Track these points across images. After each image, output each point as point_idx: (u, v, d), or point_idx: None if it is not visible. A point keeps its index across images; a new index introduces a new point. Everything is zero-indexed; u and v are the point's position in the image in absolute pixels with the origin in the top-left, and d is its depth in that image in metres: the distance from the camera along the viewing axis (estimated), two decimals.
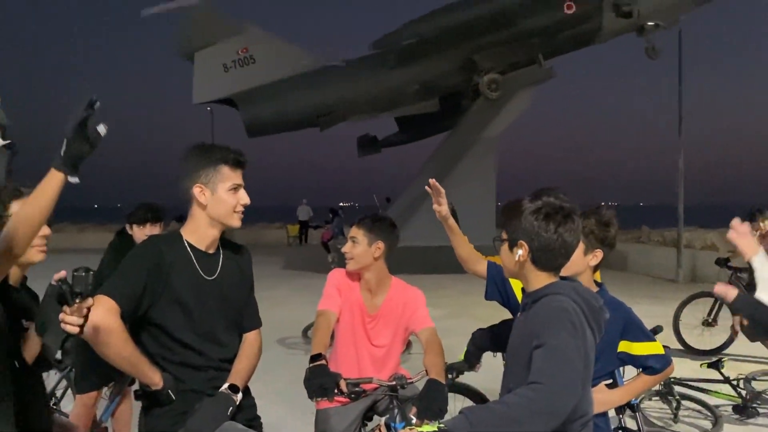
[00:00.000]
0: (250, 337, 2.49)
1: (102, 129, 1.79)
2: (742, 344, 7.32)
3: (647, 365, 2.52)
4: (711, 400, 5.25)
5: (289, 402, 5.42)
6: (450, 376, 2.54)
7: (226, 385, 2.29)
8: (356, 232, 2.97)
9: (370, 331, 3.01)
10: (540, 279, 1.98)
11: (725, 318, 7.63)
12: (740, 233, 2.41)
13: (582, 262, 2.41)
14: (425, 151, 20.03)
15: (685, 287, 12.17)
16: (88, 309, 1.76)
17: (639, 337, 2.47)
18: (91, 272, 1.73)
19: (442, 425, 1.66)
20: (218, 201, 2.30)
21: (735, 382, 5.42)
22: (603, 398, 2.40)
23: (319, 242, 20.17)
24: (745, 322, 2.96)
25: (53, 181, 1.80)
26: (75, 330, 1.65)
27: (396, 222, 3.18)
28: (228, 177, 2.30)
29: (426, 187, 2.90)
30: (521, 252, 1.96)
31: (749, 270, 2.45)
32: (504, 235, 2.04)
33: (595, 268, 2.51)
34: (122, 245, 3.75)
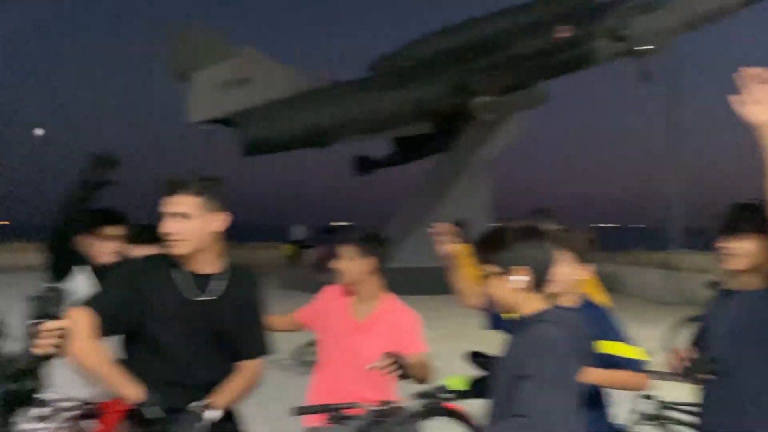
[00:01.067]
0: (245, 364, 2.44)
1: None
2: None
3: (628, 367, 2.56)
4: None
5: (276, 422, 5.37)
6: (438, 399, 2.52)
7: (201, 403, 2.24)
8: (347, 249, 2.98)
9: (358, 343, 2.95)
10: (536, 303, 1.98)
11: None
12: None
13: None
14: (422, 171, 20.09)
15: (678, 310, 12.16)
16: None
17: (617, 338, 2.52)
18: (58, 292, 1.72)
19: None
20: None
21: None
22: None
23: (313, 262, 20.10)
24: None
25: None
26: (50, 350, 1.64)
27: (390, 242, 3.20)
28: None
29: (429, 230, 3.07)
30: (524, 278, 1.94)
31: None
32: (493, 268, 2.00)
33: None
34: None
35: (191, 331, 2.30)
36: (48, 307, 1.62)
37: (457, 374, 2.57)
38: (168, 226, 2.29)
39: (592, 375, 2.41)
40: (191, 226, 2.29)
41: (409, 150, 19.62)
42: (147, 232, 3.88)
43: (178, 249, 2.29)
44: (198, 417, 2.20)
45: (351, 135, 17.40)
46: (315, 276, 17.33)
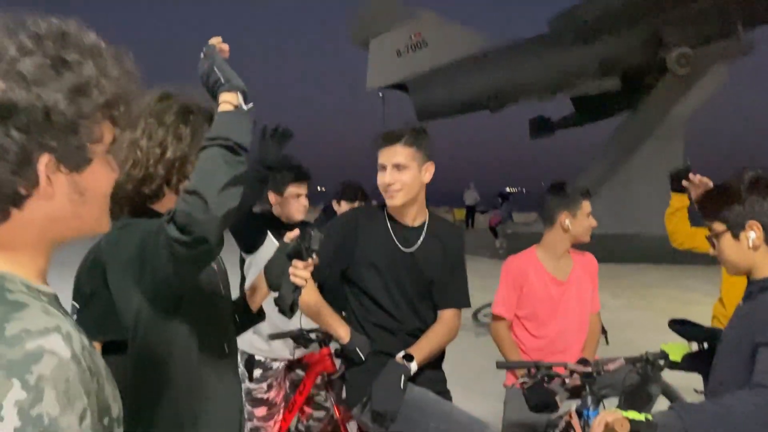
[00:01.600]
0: (445, 315, 2.50)
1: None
2: None
3: None
4: None
5: (462, 382, 5.40)
6: (650, 368, 2.33)
7: (400, 354, 2.33)
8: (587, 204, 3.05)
9: (562, 302, 3.02)
10: None
11: None
12: None
13: None
14: (603, 134, 18.99)
15: None
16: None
17: None
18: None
19: (650, 417, 1.51)
20: None
21: None
22: None
23: (487, 227, 19.98)
24: None
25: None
26: (303, 283, 1.74)
27: None
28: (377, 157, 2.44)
29: (685, 182, 2.95)
30: (754, 234, 1.74)
31: None
32: (720, 227, 1.81)
33: None
34: (327, 220, 3.96)
35: (401, 281, 2.38)
36: (315, 244, 1.70)
37: (672, 342, 2.34)
38: (386, 177, 2.35)
39: None
40: (409, 176, 2.35)
41: (590, 110, 18.56)
42: (351, 189, 4.22)
43: (395, 199, 2.36)
44: (400, 368, 2.27)
45: (527, 96, 16.83)
46: (488, 240, 17.27)
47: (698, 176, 2.87)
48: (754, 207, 1.72)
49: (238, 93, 1.48)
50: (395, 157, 2.33)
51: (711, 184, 2.71)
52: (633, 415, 1.51)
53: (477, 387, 4.84)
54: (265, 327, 2.93)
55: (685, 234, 3.25)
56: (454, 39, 16.81)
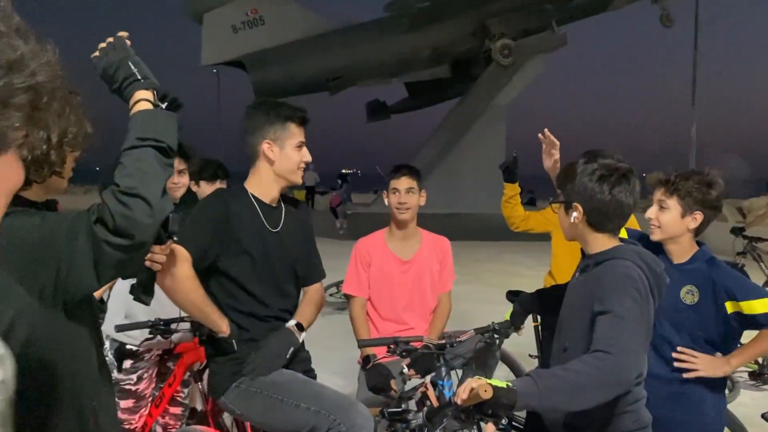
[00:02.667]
0: (312, 289, 2.56)
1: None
2: None
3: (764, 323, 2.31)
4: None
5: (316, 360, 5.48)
6: (496, 336, 2.55)
7: (293, 322, 2.35)
8: (410, 181, 3.14)
9: (404, 280, 3.19)
10: (600, 241, 1.97)
11: None
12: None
13: (679, 225, 2.37)
14: (434, 118, 19.94)
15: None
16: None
17: (749, 294, 2.30)
18: (183, 216, 1.75)
19: (510, 384, 1.65)
20: (285, 157, 2.35)
21: None
22: (717, 365, 2.35)
23: (327, 208, 20.17)
24: None
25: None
26: (159, 267, 1.67)
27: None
28: (295, 134, 2.36)
29: (540, 135, 3.03)
30: (576, 214, 1.96)
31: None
32: (561, 197, 2.03)
33: (698, 231, 2.41)
34: (187, 202, 3.73)
35: (270, 263, 2.35)
36: (174, 226, 1.62)
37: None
38: (308, 155, 2.39)
39: (747, 355, 2.40)
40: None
41: (422, 95, 19.40)
42: (210, 167, 3.92)
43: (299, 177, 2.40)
44: (293, 336, 2.31)
45: (363, 79, 17.18)
46: (332, 221, 17.47)
47: (549, 134, 3.05)
48: (579, 189, 1.93)
49: (153, 91, 1.43)
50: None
51: (557, 142, 3.00)
52: (495, 382, 1.64)
53: (328, 365, 4.96)
54: (140, 313, 2.78)
55: (520, 218, 3.64)
56: (292, 18, 16.64)
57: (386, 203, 3.21)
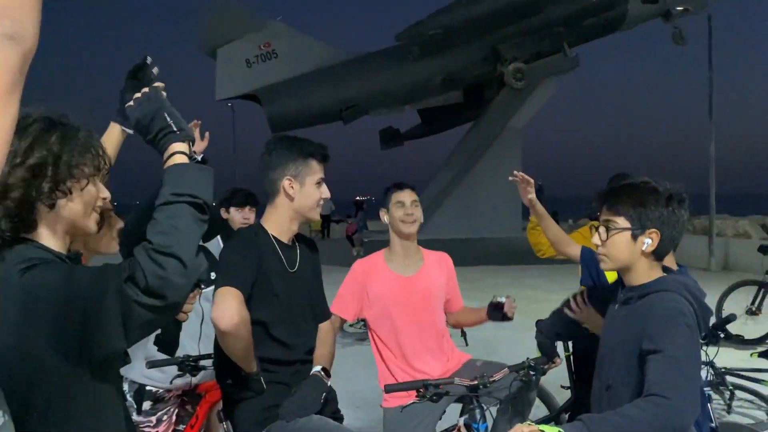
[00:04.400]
0: (324, 327, 2.49)
1: (156, 69, 1.72)
2: None
3: None
4: (764, 390, 5.11)
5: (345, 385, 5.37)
6: (532, 374, 2.44)
7: (318, 368, 2.28)
8: (412, 194, 3.05)
9: (410, 299, 2.93)
10: (653, 271, 1.88)
11: None
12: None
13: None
14: (448, 144, 19.94)
15: (719, 276, 11.95)
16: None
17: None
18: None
19: (561, 429, 1.57)
20: (305, 194, 2.31)
21: None
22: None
23: (343, 236, 20.17)
24: None
25: (112, 134, 1.90)
26: (185, 318, 1.60)
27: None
28: (316, 171, 2.33)
29: (511, 179, 3.09)
30: (650, 241, 1.83)
31: None
32: (622, 222, 1.87)
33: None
34: (218, 227, 3.71)
35: (292, 304, 2.30)
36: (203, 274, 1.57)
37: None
38: (328, 192, 2.36)
39: None
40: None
41: (436, 121, 19.43)
42: (241, 194, 3.97)
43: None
44: (323, 383, 2.25)
45: (376, 107, 17.25)
46: (348, 249, 17.42)
47: (521, 173, 3.08)
48: (662, 217, 1.81)
49: (189, 143, 1.40)
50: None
51: (531, 180, 3.05)
52: (546, 428, 1.57)
53: (351, 400, 4.85)
54: (159, 354, 2.74)
55: (546, 245, 3.52)
56: (304, 50, 16.82)
57: (384, 221, 3.06)
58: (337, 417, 2.38)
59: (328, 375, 2.30)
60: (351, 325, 7.82)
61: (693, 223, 17.08)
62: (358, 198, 23.12)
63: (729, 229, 15.97)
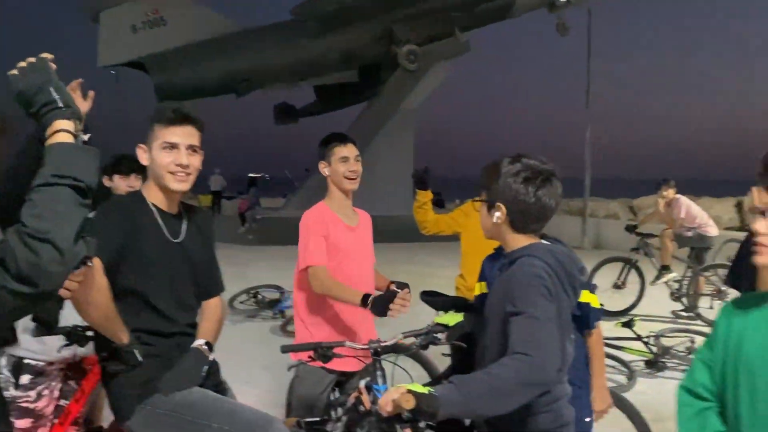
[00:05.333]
0: (212, 303, 2.44)
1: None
2: (648, 305, 7.91)
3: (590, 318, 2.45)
4: (625, 356, 5.62)
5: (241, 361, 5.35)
6: (429, 339, 2.53)
7: (201, 341, 2.25)
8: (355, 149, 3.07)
9: (357, 247, 3.02)
10: (518, 241, 1.99)
11: (633, 282, 8.18)
12: None
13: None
14: (343, 122, 19.96)
15: (591, 253, 12.86)
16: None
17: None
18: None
19: (432, 390, 1.62)
20: (153, 161, 2.22)
21: (646, 340, 5.82)
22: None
23: (235, 213, 19.73)
24: None
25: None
26: (69, 295, 1.55)
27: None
28: (158, 135, 2.20)
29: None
30: (498, 214, 1.96)
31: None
32: (483, 197, 2.04)
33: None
34: (99, 197, 3.50)
35: (172, 275, 2.24)
36: (90, 251, 1.49)
37: (444, 315, 2.56)
38: (184, 158, 2.18)
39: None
40: (199, 160, 2.24)
41: (331, 99, 19.37)
42: (126, 161, 3.76)
43: (186, 184, 2.21)
44: (204, 356, 2.22)
45: (271, 82, 16.95)
46: (235, 226, 17.09)
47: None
48: (503, 189, 1.93)
49: (75, 121, 1.31)
50: (192, 138, 2.21)
51: None
52: (417, 388, 1.61)
53: (245, 376, 4.86)
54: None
55: (431, 222, 3.76)
56: (195, 19, 16.18)
57: (325, 173, 3.04)
58: (221, 390, 2.34)
59: (211, 349, 2.27)
60: (242, 302, 7.76)
61: (569, 204, 18.24)
62: (251, 174, 22.57)
63: (601, 210, 17.21)
